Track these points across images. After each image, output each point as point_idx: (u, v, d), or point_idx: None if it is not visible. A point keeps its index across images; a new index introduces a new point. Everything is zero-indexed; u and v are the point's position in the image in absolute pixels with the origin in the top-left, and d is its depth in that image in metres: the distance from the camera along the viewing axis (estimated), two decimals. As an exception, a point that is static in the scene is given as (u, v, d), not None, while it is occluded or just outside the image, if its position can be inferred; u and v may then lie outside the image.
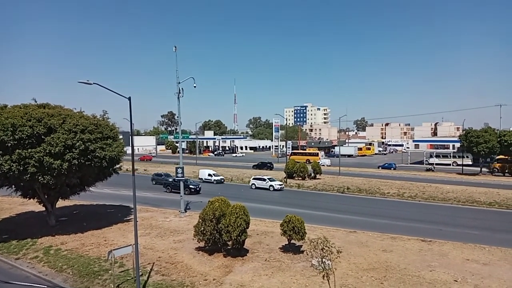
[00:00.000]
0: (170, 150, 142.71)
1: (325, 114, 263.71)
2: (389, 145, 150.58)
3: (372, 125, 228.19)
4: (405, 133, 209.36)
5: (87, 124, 25.39)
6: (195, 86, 32.82)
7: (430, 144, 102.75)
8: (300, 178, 56.82)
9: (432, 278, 18.30)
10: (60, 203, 31.31)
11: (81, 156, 24.36)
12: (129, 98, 16.55)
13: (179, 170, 33.59)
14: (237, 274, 18.93)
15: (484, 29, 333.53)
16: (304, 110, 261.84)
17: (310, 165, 59.34)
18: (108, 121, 29.06)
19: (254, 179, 51.34)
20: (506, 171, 63.98)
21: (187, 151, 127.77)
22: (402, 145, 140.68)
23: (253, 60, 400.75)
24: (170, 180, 48.46)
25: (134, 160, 17.06)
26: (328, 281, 15.31)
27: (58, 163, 23.46)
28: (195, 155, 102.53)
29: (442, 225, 29.85)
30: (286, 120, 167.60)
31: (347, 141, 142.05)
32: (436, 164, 79.17)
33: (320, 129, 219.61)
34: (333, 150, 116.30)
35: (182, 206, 33.35)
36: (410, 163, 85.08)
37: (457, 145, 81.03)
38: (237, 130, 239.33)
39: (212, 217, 21.03)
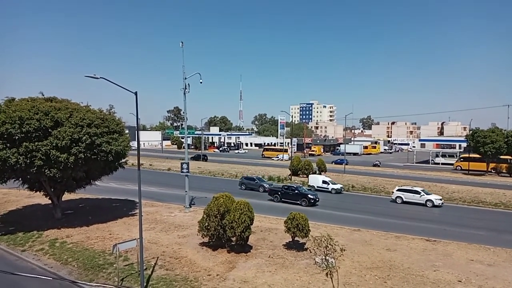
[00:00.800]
0: (176, 146, 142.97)
1: (331, 112, 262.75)
2: (395, 143, 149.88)
3: (378, 123, 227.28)
4: (411, 132, 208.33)
5: (94, 118, 25.52)
6: (201, 82, 32.86)
7: (436, 144, 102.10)
8: (305, 176, 56.73)
9: (436, 278, 18.23)
10: (66, 196, 31.55)
11: (87, 150, 24.51)
12: (136, 93, 16.58)
13: (184, 166, 33.69)
14: (240, 270, 19.00)
15: (493, 29, 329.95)
16: (310, 108, 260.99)
17: (315, 163, 59.20)
18: (115, 115, 29.15)
19: (399, 190, 39.85)
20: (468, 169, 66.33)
21: (192, 147, 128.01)
22: (408, 144, 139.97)
23: (260, 57, 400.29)
24: (278, 186, 41.37)
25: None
26: (332, 279, 15.31)
27: (64, 156, 23.62)
28: (200, 151, 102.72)
29: (446, 225, 29.71)
30: (292, 117, 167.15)
31: (352, 139, 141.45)
32: (442, 163, 78.72)
33: (325, 127, 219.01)
34: (339, 148, 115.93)
35: (186, 202, 33.47)
36: (416, 162, 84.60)
37: (464, 145, 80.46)
38: (242, 126, 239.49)
39: (217, 212, 21.11)
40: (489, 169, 65.13)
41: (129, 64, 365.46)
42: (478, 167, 66.21)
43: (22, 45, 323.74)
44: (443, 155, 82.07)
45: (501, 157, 64.70)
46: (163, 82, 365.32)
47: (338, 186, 45.21)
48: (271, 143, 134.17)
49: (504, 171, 64.59)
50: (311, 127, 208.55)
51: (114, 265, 18.99)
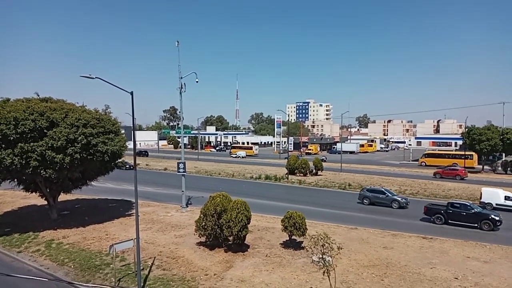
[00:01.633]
0: (172, 145, 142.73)
1: (327, 110, 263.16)
2: (391, 142, 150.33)
3: (374, 121, 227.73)
4: (407, 130, 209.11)
5: (89, 118, 25.40)
6: (197, 81, 32.76)
7: (433, 141, 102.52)
8: (302, 174, 56.82)
9: (432, 275, 18.32)
10: (62, 197, 31.43)
11: (83, 150, 24.39)
12: (131, 93, 16.52)
13: (181, 165, 33.62)
14: (237, 269, 18.99)
15: (488, 26, 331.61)
16: (306, 106, 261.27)
17: (312, 162, 59.33)
18: (110, 115, 29.05)
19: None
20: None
21: (189, 146, 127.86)
22: (404, 142, 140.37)
23: (256, 55, 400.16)
24: (439, 204, 32.75)
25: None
26: (329, 277, 15.33)
27: (60, 157, 23.49)
28: (197, 150, 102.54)
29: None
30: (288, 116, 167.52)
31: (349, 137, 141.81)
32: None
33: (322, 126, 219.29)
34: (335, 146, 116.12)
35: (183, 201, 33.43)
36: (412, 160, 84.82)
37: (460, 142, 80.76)
38: (239, 125, 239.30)
39: (214, 212, 21.08)
40: (448, 165, 67.06)
41: (124, 64, 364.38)
42: (439, 163, 70.13)
43: (16, 45, 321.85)
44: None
45: (458, 153, 74.24)
46: (159, 82, 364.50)
47: None
48: (247, 142, 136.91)
49: (461, 167, 66.57)
50: (308, 125, 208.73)
51: (111, 265, 18.94)
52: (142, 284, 16.91)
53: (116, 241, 19.42)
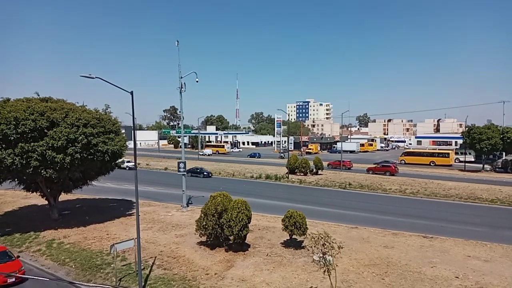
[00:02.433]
0: (172, 145, 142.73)
1: (327, 109, 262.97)
2: (392, 141, 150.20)
3: (374, 121, 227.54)
4: (407, 129, 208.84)
5: (90, 118, 25.41)
6: (197, 81, 32.79)
7: (433, 141, 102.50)
8: (302, 174, 56.80)
9: (433, 275, 18.31)
10: (63, 196, 31.45)
11: (83, 150, 24.41)
12: (132, 92, 16.53)
13: (181, 165, 33.63)
14: (238, 269, 19.00)
15: (488, 25, 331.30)
16: (307, 106, 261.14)
17: (312, 161, 59.32)
18: (111, 115, 29.05)
19: None
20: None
21: (189, 146, 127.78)
22: (404, 141, 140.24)
23: (256, 55, 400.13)
24: None
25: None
26: (329, 276, 15.34)
27: (60, 157, 23.51)
28: (197, 150, 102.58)
29: (443, 222, 29.82)
30: (289, 115, 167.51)
31: (349, 137, 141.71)
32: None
33: (322, 125, 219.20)
34: (335, 146, 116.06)
35: (184, 201, 33.44)
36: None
37: (460, 141, 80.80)
38: (239, 125, 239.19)
39: (214, 211, 21.09)
40: (429, 163, 73.20)
41: (124, 63, 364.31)
42: (418, 161, 74.48)
43: (16, 45, 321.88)
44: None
45: (435, 151, 78.05)
46: (159, 82, 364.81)
47: None
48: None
49: (438, 164, 71.81)
50: (308, 125, 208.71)
51: (112, 265, 18.97)
52: (143, 283, 16.93)
53: (117, 241, 19.46)
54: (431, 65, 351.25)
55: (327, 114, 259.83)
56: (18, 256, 20.05)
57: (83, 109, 26.80)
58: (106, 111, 29.40)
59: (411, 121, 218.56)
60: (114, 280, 17.61)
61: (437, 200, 39.50)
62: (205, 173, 56.22)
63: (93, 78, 15.78)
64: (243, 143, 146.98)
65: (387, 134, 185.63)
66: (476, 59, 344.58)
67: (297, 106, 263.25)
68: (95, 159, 25.65)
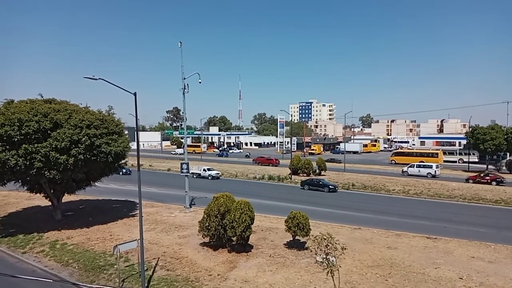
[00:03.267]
0: (175, 146, 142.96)
1: (330, 110, 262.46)
2: (395, 141, 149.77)
3: (377, 121, 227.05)
4: (411, 130, 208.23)
5: (93, 119, 25.49)
6: (200, 82, 32.82)
7: (436, 141, 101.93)
8: (305, 175, 56.71)
9: (437, 276, 18.23)
10: (66, 197, 31.53)
11: (86, 151, 24.49)
12: (135, 94, 16.57)
13: (184, 166, 33.66)
14: (241, 270, 18.98)
15: (492, 25, 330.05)
16: (309, 106, 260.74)
17: (315, 162, 59.22)
18: (114, 116, 29.13)
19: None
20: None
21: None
22: (408, 142, 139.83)
23: (258, 56, 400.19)
24: None
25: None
26: (333, 277, 15.30)
27: (64, 158, 23.60)
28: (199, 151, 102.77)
29: (447, 223, 29.71)
30: (291, 116, 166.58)
31: (352, 137, 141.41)
32: (443, 161, 78.79)
33: (325, 126, 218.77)
34: (338, 146, 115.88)
35: (187, 202, 33.46)
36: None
37: (464, 142, 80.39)
38: (242, 126, 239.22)
39: (217, 212, 21.09)
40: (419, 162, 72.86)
41: (128, 65, 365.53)
42: (407, 161, 73.59)
43: (20, 47, 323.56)
44: (443, 153, 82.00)
45: (424, 151, 79.64)
46: (162, 83, 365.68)
47: None
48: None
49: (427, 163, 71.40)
50: (311, 126, 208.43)
51: (115, 266, 18.98)
52: (146, 284, 16.94)
53: (120, 242, 19.46)
54: (435, 65, 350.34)
55: (330, 114, 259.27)
56: None
57: (87, 111, 26.87)
58: (110, 112, 29.49)
59: (415, 121, 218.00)
60: (117, 281, 17.62)
61: (441, 200, 39.36)
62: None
63: (96, 79, 15.81)
64: (246, 144, 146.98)
65: (390, 135, 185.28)
66: (480, 60, 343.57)
67: (300, 107, 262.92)
68: (98, 160, 25.72)
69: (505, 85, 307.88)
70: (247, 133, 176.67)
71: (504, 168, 64.69)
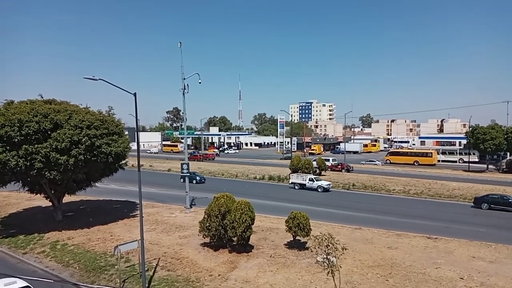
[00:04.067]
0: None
1: (330, 110, 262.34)
2: (395, 141, 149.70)
3: (377, 121, 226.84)
4: (411, 130, 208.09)
5: (93, 120, 25.49)
6: (200, 82, 32.83)
7: (436, 141, 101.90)
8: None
9: (437, 276, 18.23)
10: (67, 198, 31.53)
11: (87, 151, 24.49)
12: (135, 94, 16.57)
13: (184, 166, 33.66)
14: (242, 270, 18.98)
15: (492, 24, 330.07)
16: (309, 107, 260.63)
17: (315, 162, 59.21)
18: (114, 117, 29.13)
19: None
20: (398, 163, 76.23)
21: (192, 147, 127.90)
22: (408, 142, 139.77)
23: (258, 56, 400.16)
24: None
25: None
26: (333, 277, 15.30)
27: (64, 158, 23.60)
28: (200, 151, 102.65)
29: (448, 222, 29.70)
30: (291, 116, 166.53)
31: (352, 137, 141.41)
32: (442, 161, 78.83)
33: (325, 126, 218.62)
34: (338, 146, 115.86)
35: (187, 202, 33.46)
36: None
37: (464, 142, 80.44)
38: (242, 126, 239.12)
39: (218, 213, 21.08)
40: (414, 162, 76.34)
41: (127, 65, 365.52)
42: (402, 160, 77.85)
43: (20, 46, 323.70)
44: (443, 152, 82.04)
45: (419, 151, 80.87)
46: (162, 83, 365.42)
47: None
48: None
49: (422, 163, 74.52)
50: (311, 126, 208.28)
51: (116, 266, 18.99)
52: (147, 285, 16.93)
53: (121, 242, 19.47)
54: (435, 65, 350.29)
55: (330, 114, 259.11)
56: None
57: (87, 111, 26.87)
58: (110, 112, 29.46)
59: (415, 121, 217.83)
60: (118, 281, 17.62)
61: (441, 200, 39.35)
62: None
63: (96, 80, 15.81)
64: (246, 144, 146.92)
65: (391, 135, 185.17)
66: (480, 59, 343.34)
67: (300, 107, 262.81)
68: (99, 161, 25.72)
69: (505, 85, 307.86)
70: (247, 133, 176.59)
71: (504, 167, 64.70)
